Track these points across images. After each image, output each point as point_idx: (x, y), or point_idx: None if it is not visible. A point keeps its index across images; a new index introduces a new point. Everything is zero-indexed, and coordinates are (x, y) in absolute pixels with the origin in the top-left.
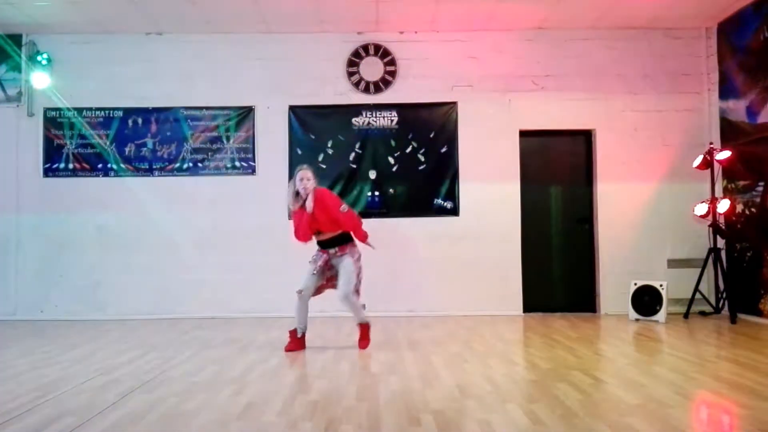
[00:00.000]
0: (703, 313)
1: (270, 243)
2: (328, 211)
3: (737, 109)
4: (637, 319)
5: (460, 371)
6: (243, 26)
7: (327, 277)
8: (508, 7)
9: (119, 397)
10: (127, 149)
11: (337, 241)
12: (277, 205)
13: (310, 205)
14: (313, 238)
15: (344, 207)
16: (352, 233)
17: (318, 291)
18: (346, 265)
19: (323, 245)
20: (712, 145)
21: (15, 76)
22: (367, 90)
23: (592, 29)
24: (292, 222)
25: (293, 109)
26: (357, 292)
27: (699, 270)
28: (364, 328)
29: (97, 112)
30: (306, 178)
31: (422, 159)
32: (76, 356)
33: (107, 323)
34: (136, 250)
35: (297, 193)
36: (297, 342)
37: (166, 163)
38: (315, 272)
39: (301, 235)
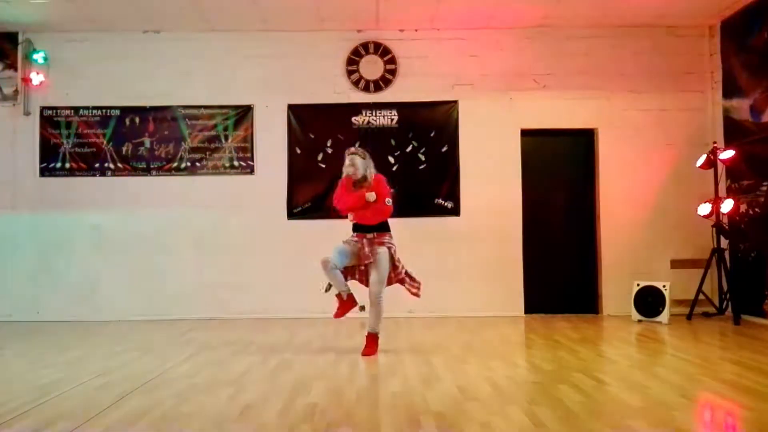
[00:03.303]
0: (706, 314)
1: (269, 243)
2: (378, 196)
3: (741, 107)
4: (639, 320)
5: (461, 373)
6: (242, 24)
7: (360, 265)
8: (509, 4)
9: (117, 398)
10: (124, 148)
11: (376, 227)
12: (276, 205)
13: (372, 196)
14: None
15: (389, 200)
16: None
17: (346, 274)
18: (381, 261)
19: (361, 229)
20: (715, 145)
21: (11, 75)
22: (366, 89)
23: (594, 27)
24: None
25: (292, 108)
26: (408, 276)
27: (702, 270)
28: (372, 337)
29: (94, 111)
30: (353, 164)
31: (422, 158)
32: (73, 358)
33: (104, 324)
34: (134, 251)
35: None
36: (345, 304)
37: (164, 163)
38: (344, 248)
39: (343, 205)
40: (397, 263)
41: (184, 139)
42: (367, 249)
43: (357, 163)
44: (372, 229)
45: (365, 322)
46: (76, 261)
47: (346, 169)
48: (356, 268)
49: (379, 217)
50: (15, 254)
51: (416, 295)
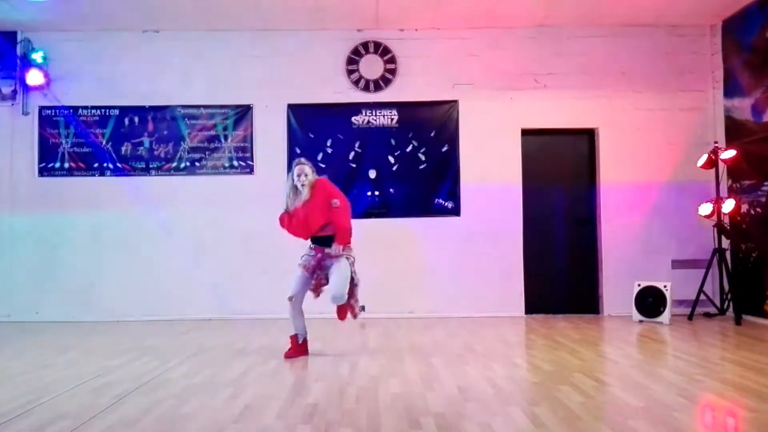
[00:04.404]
0: (707, 315)
1: (268, 244)
2: (323, 201)
3: (742, 107)
4: (640, 321)
5: (461, 373)
6: (241, 23)
7: (319, 277)
8: (509, 4)
9: (115, 399)
10: (123, 148)
11: (333, 240)
12: (275, 205)
13: (305, 196)
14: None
15: (336, 202)
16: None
17: (316, 292)
18: (341, 266)
19: (318, 242)
20: (716, 144)
21: (10, 74)
22: (366, 88)
23: (595, 26)
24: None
25: (292, 108)
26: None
27: (703, 271)
28: (344, 308)
29: (93, 111)
30: (304, 173)
31: (423, 158)
32: (72, 358)
33: (103, 325)
34: (133, 251)
35: (296, 189)
36: (298, 348)
37: (163, 163)
38: (304, 275)
39: (301, 232)
40: (353, 274)
41: (184, 139)
42: (323, 262)
43: (307, 171)
44: (330, 242)
45: (365, 322)
46: (75, 261)
47: (297, 179)
48: (318, 282)
49: (338, 224)
50: (13, 254)
51: (342, 318)
